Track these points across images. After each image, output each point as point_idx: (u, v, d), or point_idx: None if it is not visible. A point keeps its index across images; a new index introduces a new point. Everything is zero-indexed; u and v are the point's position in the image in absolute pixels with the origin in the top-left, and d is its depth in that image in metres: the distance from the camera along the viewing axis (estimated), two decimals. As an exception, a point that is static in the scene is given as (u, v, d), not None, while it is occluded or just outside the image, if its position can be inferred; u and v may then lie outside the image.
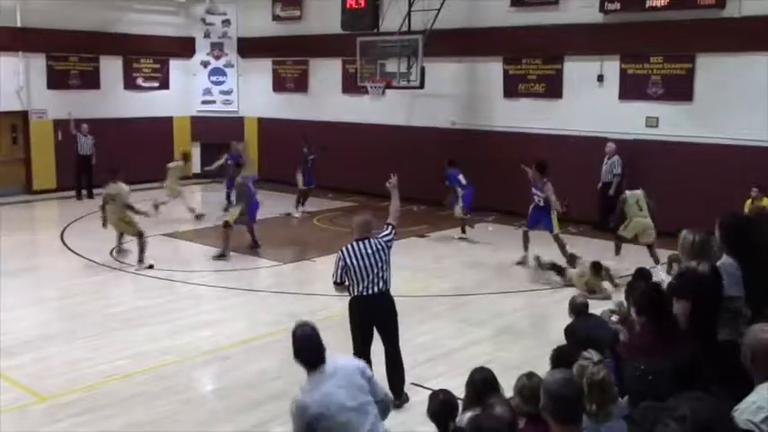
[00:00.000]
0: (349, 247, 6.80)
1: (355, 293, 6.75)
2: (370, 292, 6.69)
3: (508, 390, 4.66)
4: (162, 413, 6.85)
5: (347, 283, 6.78)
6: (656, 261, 10.92)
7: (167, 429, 6.59)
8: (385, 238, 6.84)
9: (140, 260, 11.77)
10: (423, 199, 16.06)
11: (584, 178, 14.63)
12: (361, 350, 6.68)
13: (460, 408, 4.51)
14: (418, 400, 6.48)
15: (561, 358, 4.64)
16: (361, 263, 6.67)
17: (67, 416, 6.79)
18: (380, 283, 6.73)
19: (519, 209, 15.71)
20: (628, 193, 11.54)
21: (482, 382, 4.48)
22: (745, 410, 3.51)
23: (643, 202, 11.25)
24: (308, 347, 4.48)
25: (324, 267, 12.28)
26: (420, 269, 11.94)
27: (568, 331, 6.61)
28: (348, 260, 6.72)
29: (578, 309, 6.87)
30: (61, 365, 7.93)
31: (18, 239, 13.44)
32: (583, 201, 14.72)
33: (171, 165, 16.14)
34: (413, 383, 7.31)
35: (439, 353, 8.42)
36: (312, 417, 4.31)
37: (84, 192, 17.88)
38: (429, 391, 4.90)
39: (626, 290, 6.54)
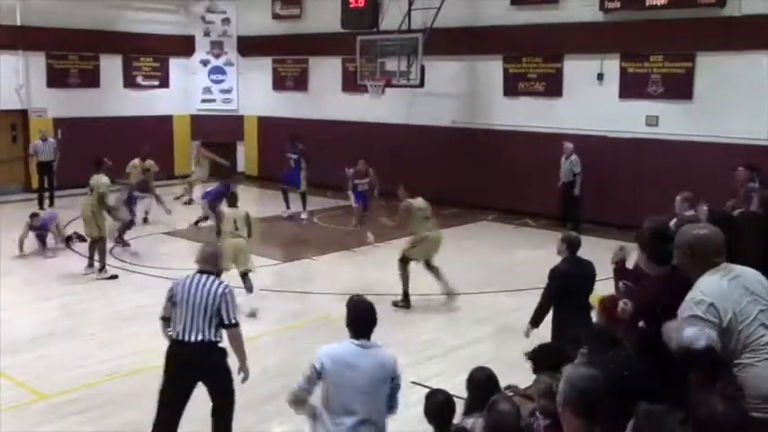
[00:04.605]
0: (183, 279, 5.78)
1: (173, 336, 5.67)
2: (188, 338, 5.58)
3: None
4: (162, 412, 6.84)
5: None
6: None
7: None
8: (229, 294, 5.63)
9: (102, 267, 11.29)
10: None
11: (584, 176, 14.62)
12: (162, 410, 5.67)
13: (458, 408, 4.50)
14: (418, 398, 6.46)
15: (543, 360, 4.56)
16: (193, 299, 5.59)
17: (67, 414, 6.79)
18: (204, 332, 5.57)
19: (519, 207, 15.79)
20: None
21: (483, 382, 4.46)
22: (685, 309, 3.58)
23: None
24: (362, 318, 4.49)
25: (324, 266, 12.35)
26: (421, 267, 11.92)
27: (552, 273, 6.79)
28: (176, 293, 5.69)
29: (573, 243, 6.86)
30: (61, 364, 7.93)
31: (18, 238, 13.36)
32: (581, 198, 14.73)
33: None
34: (413, 382, 7.31)
35: (440, 351, 8.42)
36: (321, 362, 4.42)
37: (46, 196, 16.86)
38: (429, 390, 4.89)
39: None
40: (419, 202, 10.23)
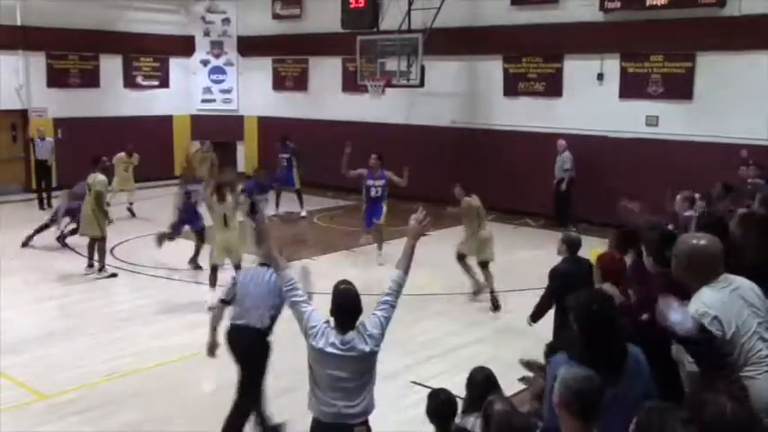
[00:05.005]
0: (248, 269, 6.36)
1: (231, 319, 6.14)
2: (239, 321, 6.03)
3: (507, 388, 4.66)
4: (161, 412, 6.85)
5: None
6: None
7: (167, 428, 6.59)
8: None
9: (101, 267, 11.29)
10: (423, 197, 16.03)
11: (583, 177, 14.63)
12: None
13: (459, 407, 4.51)
14: (418, 398, 6.47)
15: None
16: (249, 288, 6.07)
17: (67, 414, 6.80)
18: (255, 317, 5.96)
19: (518, 207, 15.78)
20: None
21: (483, 381, 4.47)
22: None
23: None
24: (347, 308, 4.60)
25: (324, 266, 12.30)
26: (421, 267, 11.87)
27: (552, 273, 6.77)
28: (239, 280, 6.23)
29: (574, 243, 6.83)
30: (61, 364, 7.94)
31: (18, 238, 13.39)
32: (580, 198, 14.73)
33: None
34: (413, 382, 7.31)
35: (439, 351, 8.43)
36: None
37: (44, 196, 16.68)
38: (429, 390, 4.90)
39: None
40: (476, 200, 10.43)
